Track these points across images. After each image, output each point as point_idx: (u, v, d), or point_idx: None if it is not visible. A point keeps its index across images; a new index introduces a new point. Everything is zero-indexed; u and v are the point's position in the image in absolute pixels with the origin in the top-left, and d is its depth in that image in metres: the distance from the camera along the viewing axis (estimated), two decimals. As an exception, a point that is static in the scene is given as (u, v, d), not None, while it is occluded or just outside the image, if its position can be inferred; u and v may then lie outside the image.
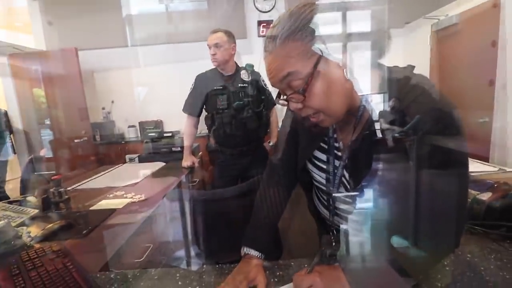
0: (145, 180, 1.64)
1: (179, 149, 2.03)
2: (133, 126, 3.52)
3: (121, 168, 1.97)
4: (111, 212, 1.14)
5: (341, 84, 0.55)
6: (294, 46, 0.52)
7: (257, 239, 0.73)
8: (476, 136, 2.60)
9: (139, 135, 3.43)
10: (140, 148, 2.95)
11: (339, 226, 0.71)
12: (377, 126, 0.58)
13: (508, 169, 1.32)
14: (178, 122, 1.89)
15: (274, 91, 0.64)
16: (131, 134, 3.49)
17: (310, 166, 0.74)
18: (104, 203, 1.27)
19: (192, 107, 1.78)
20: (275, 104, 1.85)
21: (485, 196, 0.79)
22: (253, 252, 0.70)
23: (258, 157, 1.69)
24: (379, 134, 0.57)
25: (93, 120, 3.47)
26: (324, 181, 0.71)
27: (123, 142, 3.27)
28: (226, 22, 3.43)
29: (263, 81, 1.75)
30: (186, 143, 1.83)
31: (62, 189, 1.27)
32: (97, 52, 3.63)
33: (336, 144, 0.67)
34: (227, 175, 1.66)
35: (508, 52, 2.32)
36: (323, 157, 0.70)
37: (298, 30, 0.51)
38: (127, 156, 2.22)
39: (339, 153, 0.67)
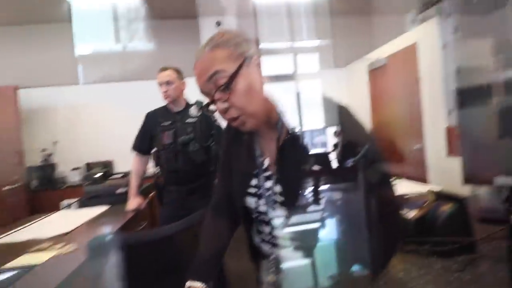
0: (81, 227, 1.47)
1: (125, 190, 1.88)
2: (77, 168, 3.24)
3: (56, 215, 1.75)
4: (28, 269, 0.97)
5: (260, 89, 0.62)
6: (221, 52, 0.59)
7: (201, 271, 0.70)
8: (414, 161, 2.87)
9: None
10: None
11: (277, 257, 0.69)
12: (333, 155, 0.66)
13: (436, 188, 1.45)
14: (131, 162, 1.79)
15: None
16: (74, 177, 3.19)
17: (245, 196, 0.72)
18: (24, 259, 1.08)
19: (139, 145, 1.73)
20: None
21: (412, 214, 0.84)
22: (197, 284, 0.66)
23: (208, 195, 1.59)
24: (336, 163, 0.65)
25: (32, 163, 3.14)
26: (254, 206, 0.70)
27: (63, 187, 2.96)
28: (181, 61, 3.55)
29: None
30: (133, 182, 1.72)
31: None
32: (42, 90, 3.42)
33: (264, 164, 0.68)
34: (174, 215, 1.52)
35: (423, 88, 2.72)
36: (254, 182, 0.70)
37: (223, 41, 0.60)
38: (63, 202, 1.98)
39: (269, 173, 0.67)
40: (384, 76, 3.31)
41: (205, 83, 0.59)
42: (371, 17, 4.24)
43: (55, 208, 2.02)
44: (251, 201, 0.70)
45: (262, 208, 0.69)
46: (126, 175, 2.92)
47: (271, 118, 0.64)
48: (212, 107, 0.63)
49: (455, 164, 1.04)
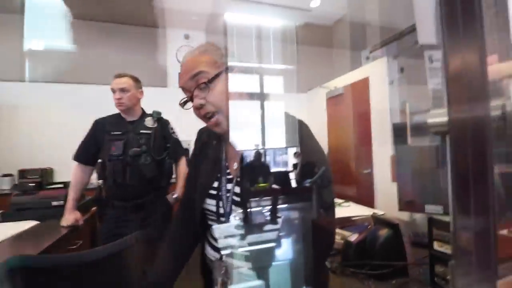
0: (2, 244, 1.26)
1: (62, 203, 1.67)
2: (9, 175, 2.85)
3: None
4: None
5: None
6: (208, 57, 0.67)
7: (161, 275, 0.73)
8: (363, 185, 3.07)
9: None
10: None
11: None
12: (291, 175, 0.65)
13: (380, 212, 1.54)
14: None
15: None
16: (4, 185, 2.79)
17: (205, 200, 0.74)
18: None
19: (83, 154, 1.56)
20: (184, 154, 1.78)
21: (353, 238, 0.87)
22: None
23: (157, 212, 1.50)
24: (294, 183, 0.65)
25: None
26: (214, 208, 0.71)
27: (-13, 196, 2.55)
28: (146, 71, 3.43)
29: (172, 129, 1.71)
30: (71, 195, 1.53)
31: None
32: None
33: (227, 168, 0.72)
34: (114, 234, 1.37)
35: (373, 118, 2.98)
36: (215, 184, 0.73)
37: (210, 49, 0.69)
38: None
39: (230, 176, 0.71)
40: (340, 104, 3.56)
41: (188, 80, 0.66)
42: (332, 50, 4.61)
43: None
44: (211, 203, 0.72)
45: (221, 210, 0.71)
46: (66, 185, 2.63)
47: None
48: (187, 105, 0.69)
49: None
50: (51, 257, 0.81)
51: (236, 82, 0.70)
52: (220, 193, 0.71)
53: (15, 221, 1.60)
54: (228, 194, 0.70)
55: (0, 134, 3.04)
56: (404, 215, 1.52)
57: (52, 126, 3.18)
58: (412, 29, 2.84)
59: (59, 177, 3.10)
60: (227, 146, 0.74)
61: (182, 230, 0.81)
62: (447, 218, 0.72)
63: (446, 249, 0.48)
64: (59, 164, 3.07)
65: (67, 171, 2.94)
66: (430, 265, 0.51)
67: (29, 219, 1.61)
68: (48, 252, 1.21)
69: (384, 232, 0.80)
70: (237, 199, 0.69)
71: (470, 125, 0.24)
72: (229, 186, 0.70)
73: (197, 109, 0.66)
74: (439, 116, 0.29)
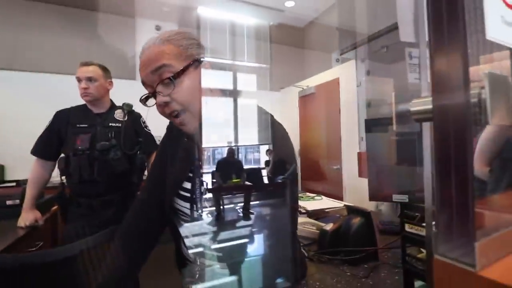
0: None
1: (17, 202, 1.52)
2: (-50, 172, 2.52)
3: None
4: None
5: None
6: (172, 48, 0.59)
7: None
8: (332, 180, 3.22)
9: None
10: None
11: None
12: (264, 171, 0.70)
13: (350, 204, 1.64)
14: (28, 169, 1.45)
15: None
16: None
17: (176, 200, 0.71)
18: None
19: (43, 148, 1.42)
20: (157, 149, 1.71)
21: (328, 227, 0.92)
22: None
23: (126, 210, 1.39)
24: (266, 180, 0.69)
25: None
26: (188, 211, 0.68)
27: None
28: (114, 62, 3.23)
29: (144, 123, 1.64)
30: (29, 193, 1.40)
31: None
32: None
33: (201, 169, 0.69)
34: (80, 233, 1.27)
35: (342, 117, 3.14)
36: (188, 185, 0.68)
37: (176, 38, 0.60)
38: None
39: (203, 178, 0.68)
40: (312, 103, 3.68)
41: (149, 74, 0.58)
42: (304, 51, 4.74)
43: None
44: (184, 205, 0.69)
45: (195, 213, 0.68)
46: (19, 183, 2.39)
47: None
48: (149, 101, 0.62)
49: (364, 184, 1.20)
50: (15, 256, 0.74)
51: (208, 78, 0.65)
52: (194, 196, 0.68)
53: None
54: (202, 195, 0.67)
55: None
56: (371, 206, 1.63)
57: (3, 118, 2.87)
58: (379, 35, 3.04)
59: (11, 174, 2.81)
60: (199, 144, 0.69)
61: (142, 223, 0.73)
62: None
63: (416, 230, 0.53)
64: (11, 160, 2.78)
65: (20, 168, 2.71)
66: (402, 246, 0.55)
67: (-23, 220, 1.45)
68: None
69: (357, 220, 0.85)
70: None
71: (453, 110, 0.27)
72: (203, 188, 0.67)
73: (161, 107, 0.59)
74: (422, 104, 0.32)
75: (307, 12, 3.93)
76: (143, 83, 0.61)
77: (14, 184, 2.41)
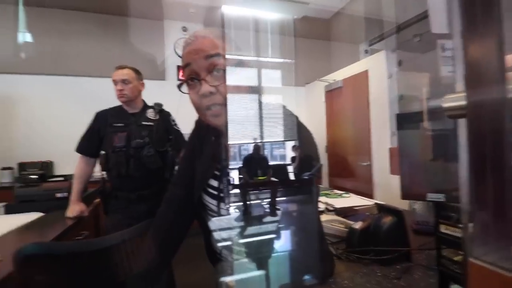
0: (8, 235, 1.27)
1: (66, 194, 1.68)
2: (9, 168, 2.83)
3: (-26, 222, 1.48)
4: None
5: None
6: (223, 44, 0.61)
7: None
8: (362, 177, 3.12)
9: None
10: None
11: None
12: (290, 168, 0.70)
13: (381, 202, 1.58)
14: (74, 165, 1.61)
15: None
16: (4, 178, 2.78)
17: (204, 197, 0.73)
18: None
19: (86, 146, 1.57)
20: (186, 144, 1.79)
21: (358, 225, 0.90)
22: None
23: (160, 204, 1.49)
24: (293, 176, 0.69)
25: None
26: (215, 208, 0.70)
27: (-12, 188, 2.54)
28: (144, 64, 3.41)
29: (173, 121, 1.72)
30: (75, 187, 1.55)
31: None
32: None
33: (229, 167, 0.70)
34: (119, 224, 1.39)
35: (372, 111, 3.01)
36: (215, 183, 0.71)
37: (225, 36, 0.62)
38: (-12, 206, 1.69)
39: (230, 178, 0.70)
40: (340, 97, 3.57)
41: (201, 59, 0.58)
42: (330, 43, 4.60)
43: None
44: (212, 202, 0.71)
45: (217, 209, 0.70)
46: (67, 178, 2.63)
47: None
48: (183, 88, 0.62)
49: (396, 182, 1.15)
50: (66, 244, 0.83)
51: (234, 76, 0.67)
52: (221, 194, 0.69)
53: (19, 213, 1.62)
54: (229, 196, 0.68)
55: (-4, 128, 3.02)
56: (404, 205, 1.56)
57: (51, 119, 3.16)
58: (410, 23, 2.85)
59: (59, 170, 3.09)
60: (226, 143, 0.71)
61: (172, 217, 0.77)
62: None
63: (452, 231, 0.50)
64: (59, 157, 3.07)
65: (67, 164, 2.98)
66: (437, 247, 0.53)
67: (33, 211, 1.63)
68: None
69: (388, 220, 0.82)
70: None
71: (488, 107, 0.26)
72: (231, 187, 0.69)
73: (204, 97, 0.59)
74: (455, 100, 0.31)
75: (332, 4, 3.80)
76: (186, 66, 0.61)
77: (62, 178, 2.65)
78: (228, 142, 0.68)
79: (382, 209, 0.91)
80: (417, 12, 2.65)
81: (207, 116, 0.62)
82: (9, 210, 1.65)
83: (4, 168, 2.86)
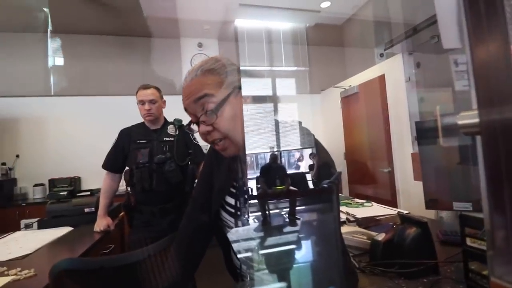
0: (41, 250, 1.35)
1: (93, 209, 1.76)
2: (41, 184, 3.02)
3: (13, 236, 1.59)
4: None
5: (242, 118, 0.63)
6: (212, 77, 0.62)
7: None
8: (383, 184, 3.02)
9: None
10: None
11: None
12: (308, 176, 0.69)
13: (404, 212, 1.53)
14: (100, 180, 1.71)
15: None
16: (37, 195, 2.96)
17: (222, 213, 0.74)
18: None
19: (111, 162, 1.65)
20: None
21: (381, 237, 0.88)
22: None
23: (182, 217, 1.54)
24: (312, 184, 0.68)
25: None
26: (233, 225, 0.71)
27: (23, 204, 2.72)
28: (162, 79, 3.55)
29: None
30: (102, 202, 1.63)
31: None
32: (6, 100, 3.22)
33: (245, 187, 0.70)
34: (144, 238, 1.45)
35: (391, 115, 2.93)
36: (232, 201, 0.71)
37: (216, 67, 0.63)
38: (23, 221, 1.81)
39: (247, 196, 0.69)
40: (356, 103, 3.52)
41: (192, 103, 0.61)
42: (344, 49, 4.58)
43: (13, 227, 1.84)
44: (230, 220, 0.71)
45: (235, 227, 0.70)
46: (93, 193, 2.77)
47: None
48: (193, 126, 0.65)
49: (421, 188, 1.11)
50: (96, 260, 0.87)
51: (249, 86, 0.67)
52: (238, 212, 0.70)
53: (50, 227, 1.72)
54: (246, 215, 0.69)
55: (30, 146, 3.24)
56: (430, 214, 1.49)
57: (78, 136, 3.35)
58: (427, 24, 2.79)
59: (86, 185, 3.25)
60: (243, 163, 0.71)
61: (191, 232, 0.77)
62: (476, 215, 0.72)
63: (479, 245, 0.48)
64: (86, 172, 3.23)
65: (93, 179, 3.13)
66: (464, 261, 0.51)
67: (63, 226, 1.72)
68: (84, 256, 1.29)
69: (412, 231, 0.80)
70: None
71: (502, 126, 0.26)
72: (247, 206, 0.69)
73: (204, 135, 0.63)
74: (469, 118, 0.31)
75: (344, 10, 3.80)
76: (187, 111, 0.64)
77: (88, 193, 2.79)
78: (246, 152, 0.68)
79: (405, 219, 0.88)
80: (432, 13, 2.60)
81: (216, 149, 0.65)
82: (41, 225, 1.76)
83: (37, 185, 3.05)
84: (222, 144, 0.62)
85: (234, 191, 0.72)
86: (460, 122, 0.32)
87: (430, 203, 0.96)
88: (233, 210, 0.71)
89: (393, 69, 2.91)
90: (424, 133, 0.97)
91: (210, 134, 0.62)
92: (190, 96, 0.61)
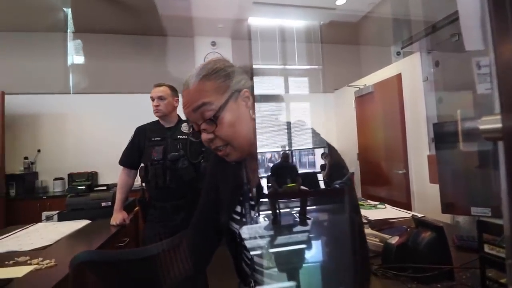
0: (61, 241, 1.41)
1: (109, 203, 1.82)
2: (60, 178, 3.14)
3: (35, 227, 1.67)
4: (5, 283, 0.93)
5: (247, 121, 0.63)
6: (210, 84, 0.60)
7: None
8: (397, 186, 2.95)
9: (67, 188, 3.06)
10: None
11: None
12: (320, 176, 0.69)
13: (419, 215, 1.49)
14: (116, 175, 1.77)
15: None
16: (57, 188, 3.09)
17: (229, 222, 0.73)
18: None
19: (128, 159, 1.70)
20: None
21: (394, 240, 0.86)
22: None
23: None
24: (323, 184, 0.68)
25: (11, 171, 3.02)
26: (239, 232, 0.70)
27: (44, 197, 2.84)
28: (176, 77, 3.61)
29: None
30: (118, 196, 1.68)
31: None
32: (29, 97, 3.36)
33: (250, 194, 0.69)
34: (157, 233, 1.49)
35: (407, 116, 2.86)
36: (238, 208, 0.70)
37: (213, 72, 0.61)
38: (44, 213, 1.90)
39: (253, 202, 0.68)
40: (371, 103, 3.45)
41: (192, 113, 0.61)
42: (359, 47, 4.49)
43: (34, 219, 1.93)
44: (235, 227, 0.71)
45: (246, 236, 0.69)
46: (109, 187, 2.85)
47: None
48: (196, 134, 0.64)
49: (437, 191, 1.08)
50: (114, 252, 0.91)
51: (260, 85, 0.66)
52: (244, 219, 0.69)
53: (70, 220, 1.79)
54: (252, 223, 0.68)
55: (51, 142, 3.38)
56: (446, 218, 1.45)
57: (96, 133, 3.47)
58: (447, 22, 2.70)
59: (103, 179, 3.36)
60: (246, 168, 0.70)
61: (199, 233, 0.78)
62: (494, 221, 0.70)
63: (497, 252, 0.47)
64: (103, 167, 3.33)
65: (110, 174, 3.23)
66: (481, 268, 0.50)
67: (81, 219, 1.79)
68: (101, 249, 1.34)
69: (427, 235, 0.79)
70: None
71: (526, 132, 0.25)
72: (253, 213, 0.68)
73: (206, 143, 0.62)
74: (491, 123, 0.30)
75: (360, 7, 3.71)
76: (187, 119, 0.64)
77: (105, 188, 2.88)
78: (257, 151, 0.68)
79: (420, 223, 0.87)
80: (451, 10, 2.50)
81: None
82: (61, 218, 1.84)
83: (56, 179, 3.18)
84: (225, 150, 0.62)
85: (240, 198, 0.71)
86: (481, 127, 0.31)
87: (447, 207, 0.94)
88: (238, 217, 0.70)
89: (411, 68, 2.83)
90: (443, 135, 0.94)
91: (212, 142, 0.61)
92: (189, 106, 0.60)
